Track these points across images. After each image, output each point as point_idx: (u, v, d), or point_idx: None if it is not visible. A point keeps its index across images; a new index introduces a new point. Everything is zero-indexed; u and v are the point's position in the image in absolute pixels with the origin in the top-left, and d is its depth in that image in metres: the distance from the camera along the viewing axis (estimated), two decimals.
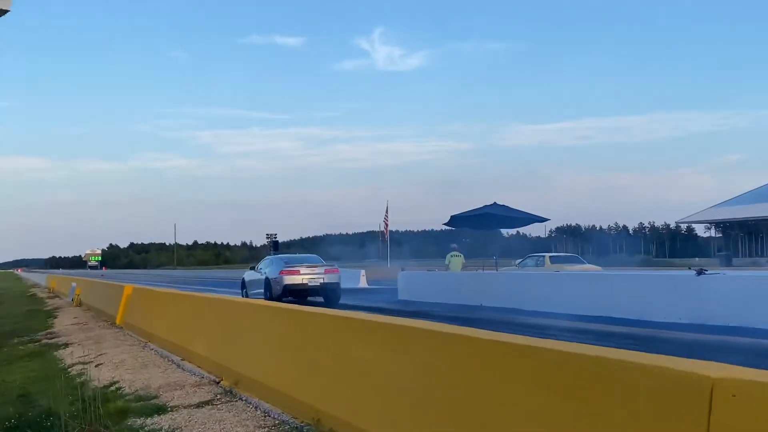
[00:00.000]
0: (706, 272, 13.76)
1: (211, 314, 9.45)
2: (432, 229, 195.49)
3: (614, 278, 16.27)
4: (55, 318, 21.04)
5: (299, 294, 21.94)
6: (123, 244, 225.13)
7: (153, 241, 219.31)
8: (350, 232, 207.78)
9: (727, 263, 55.33)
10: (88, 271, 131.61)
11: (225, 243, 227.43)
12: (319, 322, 6.26)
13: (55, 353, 13.14)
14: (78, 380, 9.97)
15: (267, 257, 25.74)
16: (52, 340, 15.01)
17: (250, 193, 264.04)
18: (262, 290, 23.42)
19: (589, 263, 28.85)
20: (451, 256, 23.48)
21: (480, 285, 19.81)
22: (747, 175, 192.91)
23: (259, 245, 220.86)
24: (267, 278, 23.39)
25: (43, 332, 16.87)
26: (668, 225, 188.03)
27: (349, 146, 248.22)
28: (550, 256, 27.76)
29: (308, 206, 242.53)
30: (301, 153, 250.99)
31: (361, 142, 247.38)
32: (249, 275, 25.71)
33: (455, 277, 21.85)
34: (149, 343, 12.57)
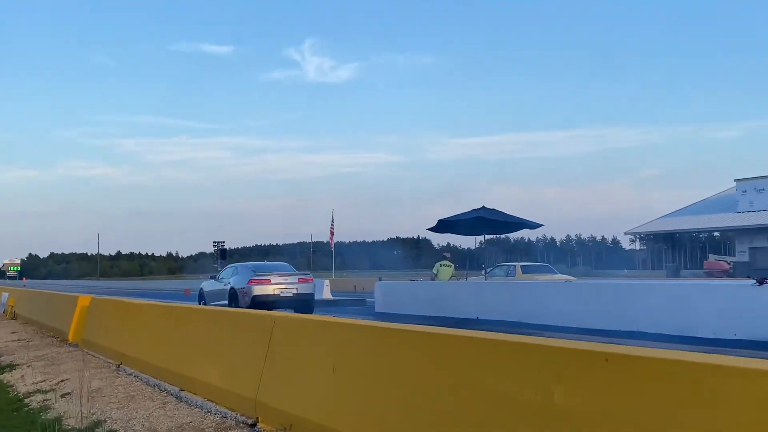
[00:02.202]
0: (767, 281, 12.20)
1: (230, 333, 7.30)
2: (364, 240, 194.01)
3: (643, 288, 14.57)
4: None
5: (269, 306, 19.80)
6: (43, 254, 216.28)
7: (74, 251, 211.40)
8: (280, 243, 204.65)
9: (675, 274, 55.08)
10: (8, 281, 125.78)
11: (150, 254, 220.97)
12: (466, 347, 4.26)
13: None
14: (43, 416, 7.69)
15: (230, 265, 23.49)
16: None
17: (176, 203, 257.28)
18: (226, 302, 21.31)
19: (560, 273, 27.54)
20: (441, 265, 21.58)
21: (475, 296, 17.95)
22: (664, 190, 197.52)
23: (184, 256, 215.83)
24: (232, 288, 21.29)
25: None
26: (594, 237, 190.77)
27: (278, 156, 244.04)
28: (521, 266, 26.35)
29: (237, 217, 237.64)
30: (230, 163, 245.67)
31: (291, 152, 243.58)
32: (209, 285, 23.49)
33: (447, 288, 19.94)
34: (123, 366, 10.27)
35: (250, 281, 20.92)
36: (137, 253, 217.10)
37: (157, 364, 9.01)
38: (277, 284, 20.99)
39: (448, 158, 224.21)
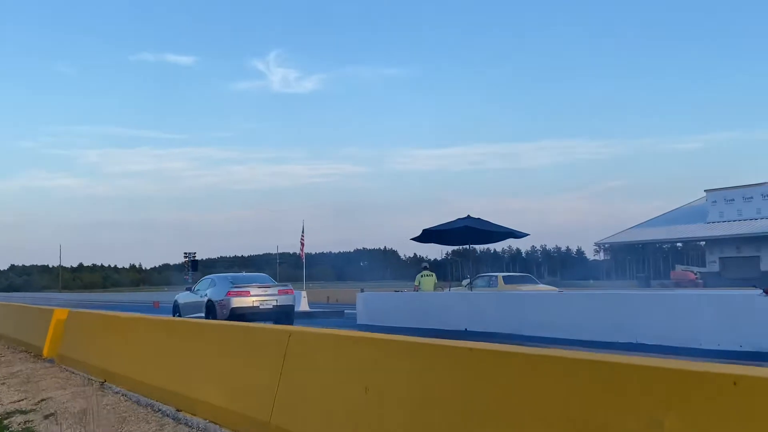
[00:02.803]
0: None
1: (237, 348, 6.73)
2: (330, 252, 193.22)
3: (642, 299, 14.18)
4: None
5: (249, 319, 19.18)
6: (3, 266, 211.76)
7: (35, 263, 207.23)
8: (245, 255, 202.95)
9: (646, 284, 55.24)
10: None
11: (112, 266, 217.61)
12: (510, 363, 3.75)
13: None
14: None
15: (206, 276, 22.81)
16: None
17: (139, 215, 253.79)
18: (203, 314, 20.68)
19: (542, 284, 27.28)
20: (422, 276, 21.08)
21: (464, 307, 17.43)
22: (627, 201, 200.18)
23: (148, 268, 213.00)
24: (210, 301, 20.68)
25: None
26: (559, 248, 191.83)
27: (243, 167, 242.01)
28: (503, 276, 26.04)
29: (201, 228, 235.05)
30: (194, 174, 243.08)
31: (256, 163, 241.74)
32: (184, 297, 22.80)
33: (433, 299, 19.41)
34: (107, 384, 9.62)
35: (228, 293, 20.40)
36: (100, 264, 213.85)
37: (148, 381, 8.39)
38: (257, 296, 20.49)
39: (414, 169, 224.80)
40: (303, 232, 52.74)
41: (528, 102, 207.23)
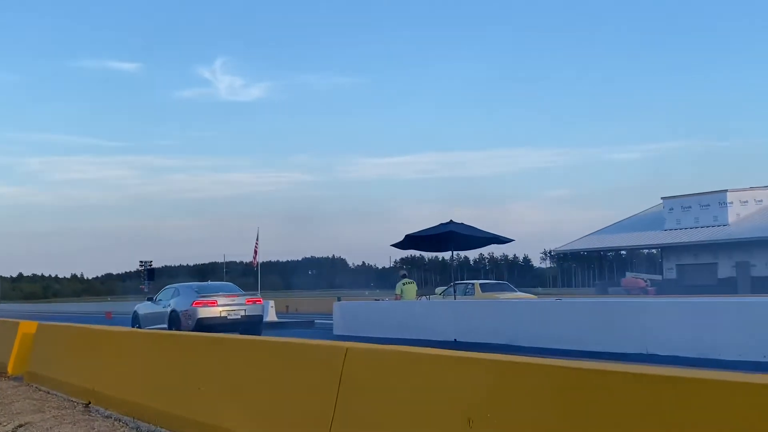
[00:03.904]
0: None
1: (272, 367, 5.73)
2: (278, 260, 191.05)
3: (652, 306, 13.49)
4: None
5: (216, 330, 18.09)
6: None
7: None
8: (190, 264, 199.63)
9: (604, 291, 55.30)
10: None
11: (53, 275, 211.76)
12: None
13: None
14: None
15: (169, 286, 21.61)
16: None
17: (81, 223, 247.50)
18: (165, 325, 19.55)
19: (519, 291, 26.68)
20: (403, 284, 20.15)
21: (453, 316, 16.58)
22: (571, 210, 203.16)
23: (90, 277, 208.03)
24: (174, 311, 19.57)
25: None
26: (506, 256, 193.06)
27: (187, 176, 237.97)
28: (480, 284, 25.44)
29: (145, 237, 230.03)
30: (137, 182, 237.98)
31: (200, 171, 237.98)
32: (144, 308, 21.58)
33: (418, 308, 18.51)
34: (93, 406, 8.50)
35: (194, 303, 19.37)
36: (40, 274, 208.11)
37: (147, 404, 7.30)
38: (225, 306, 19.51)
39: (361, 178, 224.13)
40: (257, 239, 51.43)
41: (477, 111, 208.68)
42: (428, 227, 19.45)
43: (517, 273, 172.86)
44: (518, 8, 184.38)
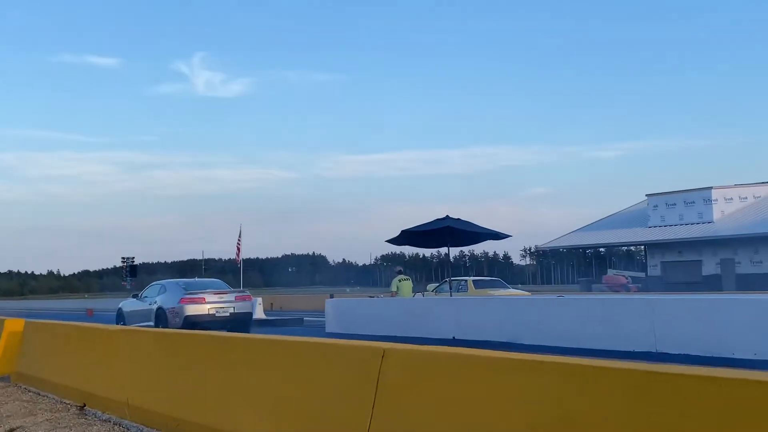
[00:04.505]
0: None
1: (298, 369, 5.26)
2: (258, 257, 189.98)
3: (661, 303, 13.05)
4: None
5: (204, 327, 17.62)
6: None
7: None
8: (169, 261, 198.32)
9: (588, 288, 55.10)
10: None
11: (30, 272, 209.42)
12: None
13: None
14: None
15: (155, 283, 21.06)
16: None
17: (58, 220, 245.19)
18: (152, 323, 19.09)
19: (512, 288, 26.37)
20: (399, 280, 19.69)
21: (452, 314, 16.14)
22: (551, 207, 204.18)
23: (67, 274, 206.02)
24: (160, 308, 19.11)
25: None
26: (486, 253, 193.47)
27: (166, 172, 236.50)
28: (473, 280, 25.15)
29: (123, 233, 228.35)
30: (116, 178, 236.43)
31: (179, 167, 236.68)
32: (129, 305, 21.06)
33: (415, 305, 18.06)
34: (89, 408, 7.99)
35: (181, 300, 18.92)
36: (16, 271, 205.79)
37: (148, 407, 6.82)
38: (213, 303, 19.05)
39: (342, 175, 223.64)
40: (240, 236, 50.83)
41: (455, 109, 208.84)
42: (424, 222, 19.03)
43: (497, 270, 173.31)
44: (498, 7, 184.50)
